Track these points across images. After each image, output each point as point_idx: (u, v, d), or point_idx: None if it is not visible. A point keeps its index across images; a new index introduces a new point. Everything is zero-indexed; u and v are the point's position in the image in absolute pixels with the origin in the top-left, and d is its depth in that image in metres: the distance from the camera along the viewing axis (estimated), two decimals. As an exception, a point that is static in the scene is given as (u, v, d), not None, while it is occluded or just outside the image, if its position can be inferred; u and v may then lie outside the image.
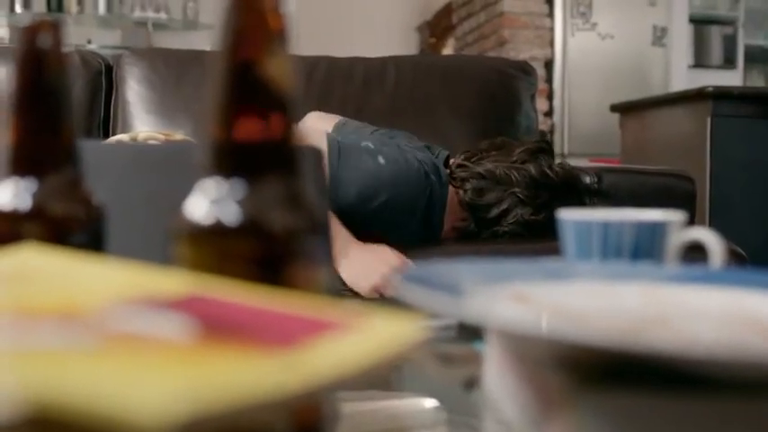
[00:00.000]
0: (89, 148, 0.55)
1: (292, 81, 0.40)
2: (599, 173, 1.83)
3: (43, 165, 0.52)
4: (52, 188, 0.51)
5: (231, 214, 0.39)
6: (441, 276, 0.49)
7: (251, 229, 0.39)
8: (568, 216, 0.64)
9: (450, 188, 1.75)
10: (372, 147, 1.72)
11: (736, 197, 3.01)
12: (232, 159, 0.39)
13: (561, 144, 5.06)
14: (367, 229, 1.62)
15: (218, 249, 0.39)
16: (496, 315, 0.42)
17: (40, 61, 0.51)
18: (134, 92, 2.01)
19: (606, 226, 0.62)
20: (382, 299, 1.55)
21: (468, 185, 1.75)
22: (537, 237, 1.68)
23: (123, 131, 1.86)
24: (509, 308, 0.49)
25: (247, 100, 0.38)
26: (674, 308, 0.52)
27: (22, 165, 0.51)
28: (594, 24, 5.09)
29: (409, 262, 1.57)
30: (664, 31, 5.24)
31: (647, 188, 1.84)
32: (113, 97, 1.99)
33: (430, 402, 0.55)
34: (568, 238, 0.64)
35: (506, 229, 1.72)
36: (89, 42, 5.12)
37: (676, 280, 0.55)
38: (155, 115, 2.00)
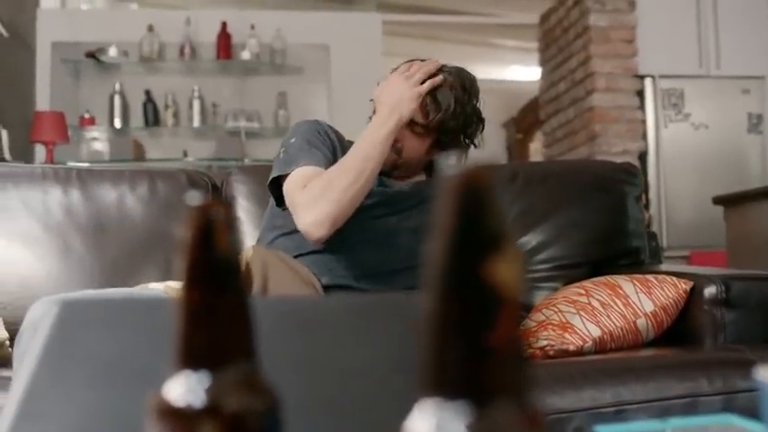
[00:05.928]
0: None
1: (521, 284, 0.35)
2: (726, 281, 1.73)
3: (217, 355, 0.48)
4: (227, 380, 0.48)
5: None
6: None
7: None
8: (772, 380, 0.58)
9: None
10: None
11: None
12: (459, 379, 0.35)
13: (660, 237, 4.92)
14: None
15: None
16: None
17: (211, 247, 0.48)
18: (243, 208, 2.01)
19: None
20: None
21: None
22: None
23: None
24: None
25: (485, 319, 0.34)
26: None
27: (195, 356, 0.48)
28: (687, 115, 5.00)
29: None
30: (759, 118, 5.12)
31: (778, 297, 1.73)
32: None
33: None
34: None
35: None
36: (185, 155, 5.25)
37: None
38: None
